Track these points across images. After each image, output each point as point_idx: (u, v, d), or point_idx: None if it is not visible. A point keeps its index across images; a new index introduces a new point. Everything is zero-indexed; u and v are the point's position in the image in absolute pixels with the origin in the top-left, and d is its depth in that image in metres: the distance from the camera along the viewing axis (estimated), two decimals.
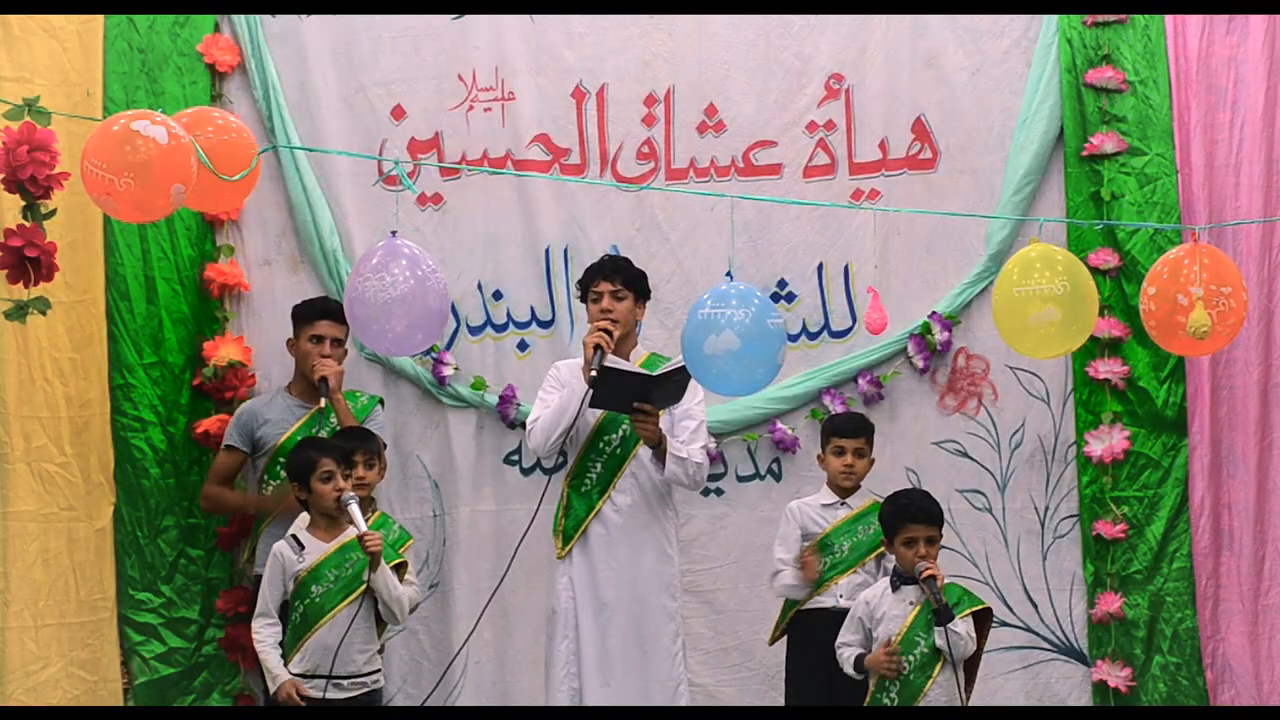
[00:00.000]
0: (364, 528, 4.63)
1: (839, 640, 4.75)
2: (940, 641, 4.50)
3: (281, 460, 5.20)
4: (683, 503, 5.40)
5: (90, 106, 5.58)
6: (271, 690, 4.68)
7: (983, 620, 4.67)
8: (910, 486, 5.21)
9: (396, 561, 4.84)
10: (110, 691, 5.54)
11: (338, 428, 5.26)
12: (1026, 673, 5.60)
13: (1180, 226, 5.43)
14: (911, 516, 4.64)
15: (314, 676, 4.65)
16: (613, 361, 4.89)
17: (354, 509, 4.66)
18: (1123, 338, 5.54)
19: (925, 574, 4.53)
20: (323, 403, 5.33)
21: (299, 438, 5.21)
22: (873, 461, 5.18)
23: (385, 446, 5.57)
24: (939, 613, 4.49)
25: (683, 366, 4.76)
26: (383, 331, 4.61)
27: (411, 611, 5.04)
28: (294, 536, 4.74)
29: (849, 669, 4.69)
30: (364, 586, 4.70)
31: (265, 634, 4.70)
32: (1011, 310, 4.78)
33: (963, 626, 4.54)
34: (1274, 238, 5.47)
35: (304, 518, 4.82)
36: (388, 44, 5.93)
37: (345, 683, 4.69)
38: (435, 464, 5.87)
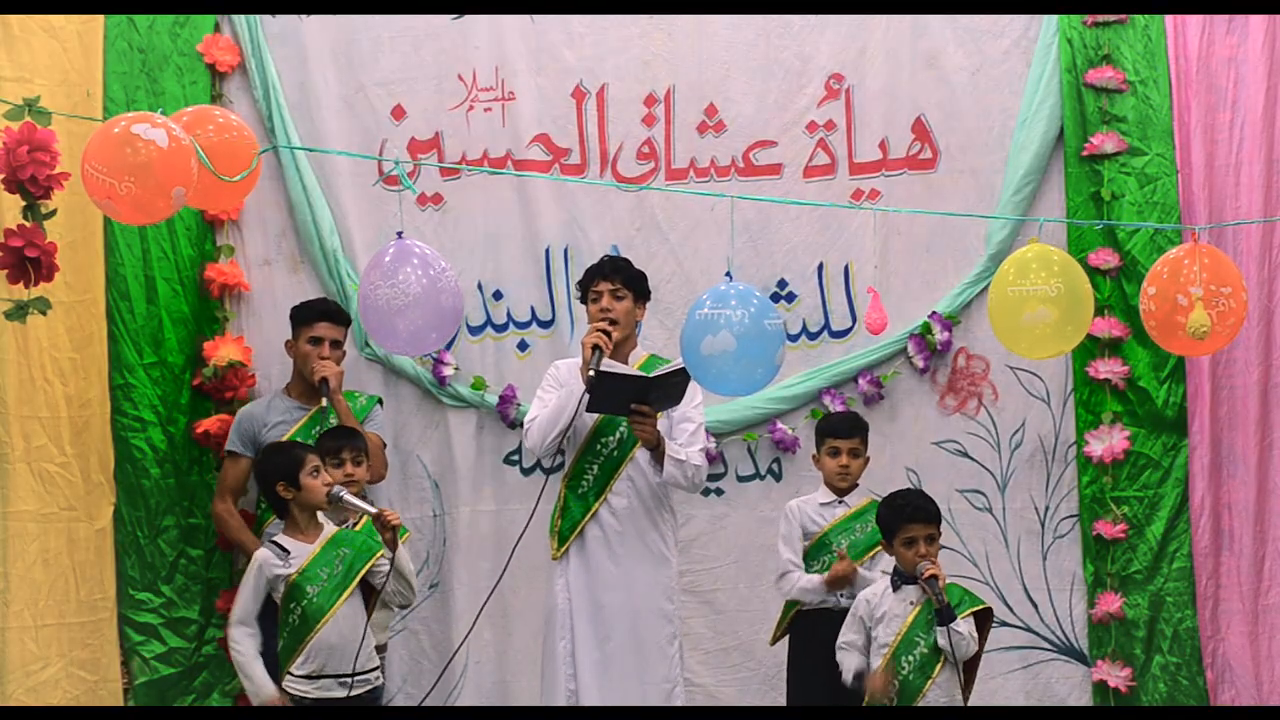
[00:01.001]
0: (371, 508, 4.63)
1: (840, 640, 4.74)
2: (943, 641, 4.50)
3: None
4: (682, 503, 5.40)
5: (90, 106, 5.58)
6: (258, 703, 4.62)
7: (983, 620, 4.67)
8: (907, 487, 5.21)
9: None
10: (110, 691, 5.54)
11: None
12: (1026, 673, 5.61)
13: (1180, 226, 5.43)
14: (910, 517, 4.64)
15: (321, 677, 4.64)
16: (609, 366, 4.87)
17: (350, 496, 4.66)
18: (1123, 338, 5.54)
19: (927, 574, 4.53)
20: (323, 403, 5.34)
21: (297, 439, 5.22)
22: (868, 460, 5.18)
23: (386, 445, 5.59)
24: (941, 612, 4.49)
25: (682, 369, 4.75)
26: (395, 333, 4.59)
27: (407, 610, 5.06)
28: (275, 542, 4.71)
29: (848, 676, 4.68)
30: (358, 580, 4.69)
31: (247, 644, 4.63)
32: (1006, 310, 4.78)
33: (964, 626, 4.54)
34: (1274, 238, 5.47)
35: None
36: (388, 44, 5.93)
37: (351, 680, 4.67)
38: (435, 464, 5.87)
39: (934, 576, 4.53)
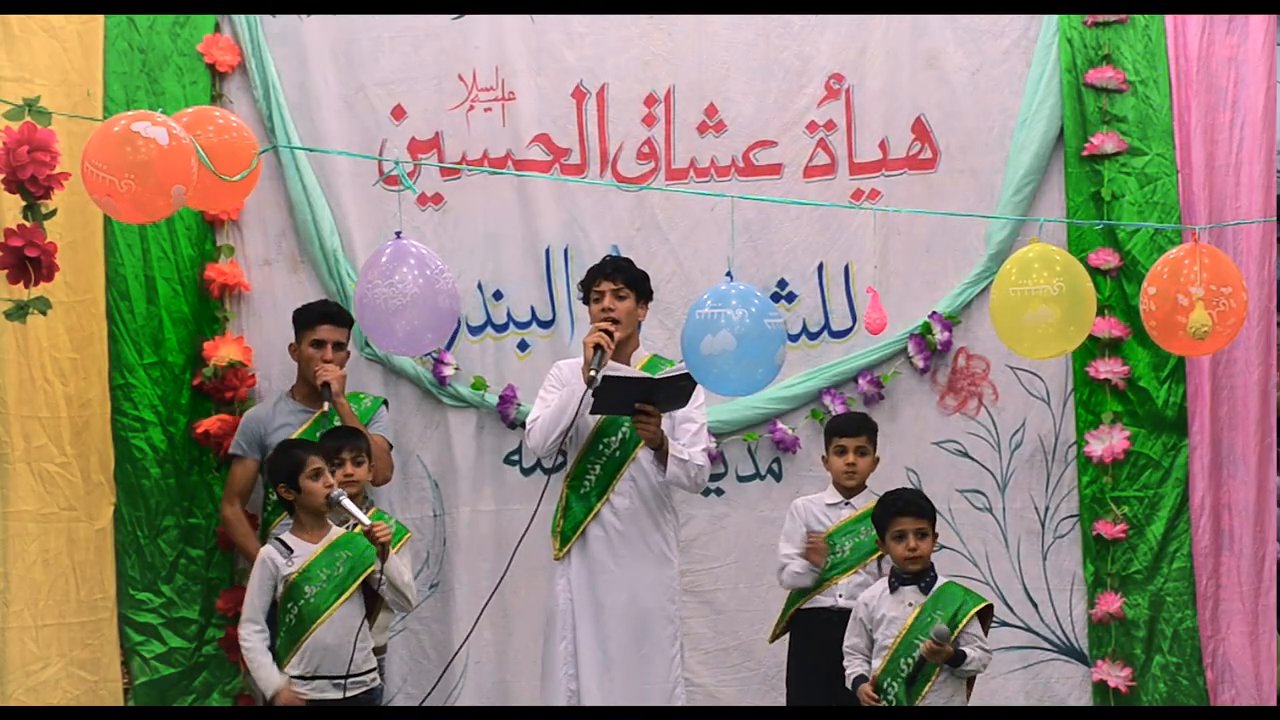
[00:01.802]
0: (365, 519, 4.62)
1: (846, 644, 4.75)
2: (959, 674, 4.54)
3: None
4: (682, 503, 5.40)
5: (90, 106, 5.58)
6: (268, 695, 4.65)
7: (984, 617, 4.67)
8: (905, 486, 5.21)
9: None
10: (110, 691, 5.54)
11: None
12: (1026, 673, 5.61)
13: (1180, 226, 5.43)
14: (900, 510, 4.66)
15: (316, 678, 4.64)
16: (612, 369, 4.87)
17: (348, 502, 4.66)
18: (1123, 338, 5.54)
19: (924, 650, 4.52)
20: (326, 407, 5.34)
21: None
22: (877, 460, 5.18)
23: (391, 447, 5.58)
24: (950, 662, 4.50)
25: (687, 373, 4.74)
26: (392, 332, 4.59)
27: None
28: (280, 540, 4.72)
29: (849, 683, 4.69)
30: (357, 584, 4.69)
31: (256, 640, 4.66)
32: (1008, 310, 4.78)
33: (976, 652, 4.54)
34: (1274, 238, 5.47)
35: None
36: (388, 44, 5.92)
37: (345, 682, 4.68)
38: (435, 464, 5.87)
39: (933, 651, 4.51)
